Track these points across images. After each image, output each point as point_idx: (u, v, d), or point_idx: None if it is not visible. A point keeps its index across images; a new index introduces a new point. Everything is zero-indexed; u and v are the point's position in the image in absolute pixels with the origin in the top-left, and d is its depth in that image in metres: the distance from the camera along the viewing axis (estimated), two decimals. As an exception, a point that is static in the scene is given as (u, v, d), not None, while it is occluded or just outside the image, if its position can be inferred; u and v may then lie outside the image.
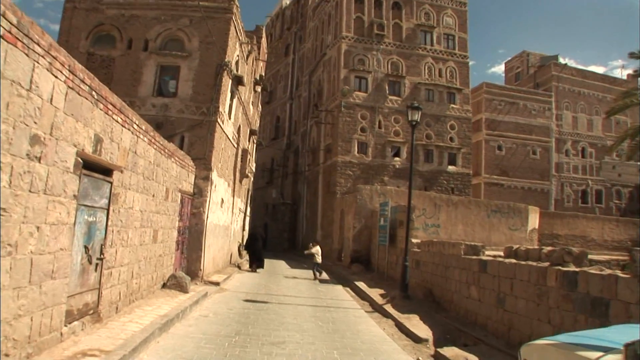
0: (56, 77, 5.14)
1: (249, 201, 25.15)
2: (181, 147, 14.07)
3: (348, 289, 16.48)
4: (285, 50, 43.36)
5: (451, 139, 31.86)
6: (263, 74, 26.03)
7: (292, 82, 40.91)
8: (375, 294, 14.45)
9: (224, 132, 15.68)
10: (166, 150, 10.43)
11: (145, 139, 8.81)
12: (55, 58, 5.07)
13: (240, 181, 21.03)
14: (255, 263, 19.48)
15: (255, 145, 26.65)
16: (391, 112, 30.58)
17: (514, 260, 9.33)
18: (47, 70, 4.95)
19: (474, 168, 35.26)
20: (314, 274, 18.40)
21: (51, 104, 5.09)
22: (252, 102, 22.96)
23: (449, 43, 33.32)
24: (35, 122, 4.79)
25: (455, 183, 31.32)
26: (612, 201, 45.03)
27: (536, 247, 12.48)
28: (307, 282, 17.38)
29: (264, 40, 25.70)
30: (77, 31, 15.20)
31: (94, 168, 6.57)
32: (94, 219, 6.71)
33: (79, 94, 5.75)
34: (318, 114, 32.92)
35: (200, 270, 13.64)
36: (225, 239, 18.23)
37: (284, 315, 10.37)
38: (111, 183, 7.22)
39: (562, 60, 50.09)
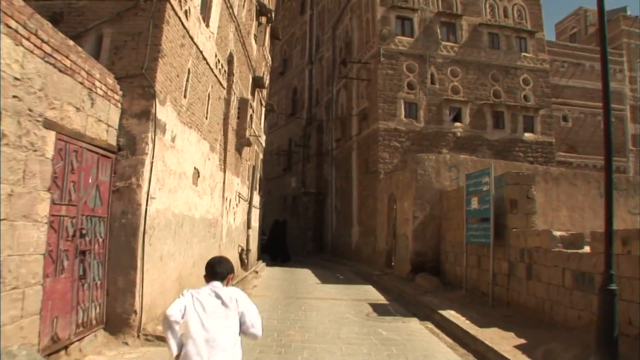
0: None
1: (255, 185, 17.39)
2: (97, 57, 6.68)
3: (432, 326, 9.00)
4: (300, 8, 35.67)
5: (525, 98, 23.81)
6: (272, 9, 18.44)
7: (310, 44, 33.09)
8: (507, 347, 6.85)
9: (188, 33, 8.14)
10: None
11: None
12: None
13: (239, 150, 13.46)
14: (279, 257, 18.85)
15: (263, 108, 19.03)
16: (446, 63, 22.61)
17: None
18: None
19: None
20: None
21: None
22: (255, 35, 15.37)
23: (514, -26, 25.23)
24: None
25: (534, 155, 23.33)
26: None
27: None
28: (355, 314, 9.79)
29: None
30: None
31: None
32: None
33: None
34: (347, 72, 25.11)
35: (135, 312, 6.16)
36: (210, 242, 10.58)
37: None
38: None
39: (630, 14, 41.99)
